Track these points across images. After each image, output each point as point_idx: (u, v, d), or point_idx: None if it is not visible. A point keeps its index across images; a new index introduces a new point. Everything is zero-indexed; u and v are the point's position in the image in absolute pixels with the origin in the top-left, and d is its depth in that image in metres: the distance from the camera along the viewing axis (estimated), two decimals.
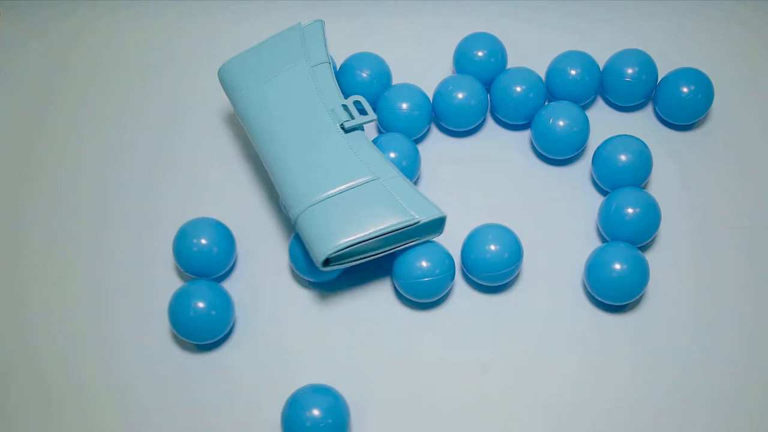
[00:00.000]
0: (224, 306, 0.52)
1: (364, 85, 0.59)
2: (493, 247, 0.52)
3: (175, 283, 0.55)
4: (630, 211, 0.53)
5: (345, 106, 0.54)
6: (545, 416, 0.50)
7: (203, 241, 0.53)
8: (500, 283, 0.53)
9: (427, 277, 0.51)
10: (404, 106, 0.57)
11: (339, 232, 0.49)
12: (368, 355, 0.52)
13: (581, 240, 0.55)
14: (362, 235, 0.49)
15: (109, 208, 0.58)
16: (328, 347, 0.53)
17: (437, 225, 0.52)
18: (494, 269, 0.52)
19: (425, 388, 0.51)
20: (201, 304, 0.51)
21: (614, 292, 0.51)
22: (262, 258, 0.56)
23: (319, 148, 0.52)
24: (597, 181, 0.56)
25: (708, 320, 0.53)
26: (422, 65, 0.62)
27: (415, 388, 0.51)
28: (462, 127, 0.59)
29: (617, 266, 0.51)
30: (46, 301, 0.55)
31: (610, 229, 0.53)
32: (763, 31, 0.63)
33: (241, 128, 0.61)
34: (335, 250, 0.49)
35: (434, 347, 0.53)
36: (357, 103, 0.55)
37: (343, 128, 0.53)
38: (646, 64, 0.58)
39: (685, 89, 0.57)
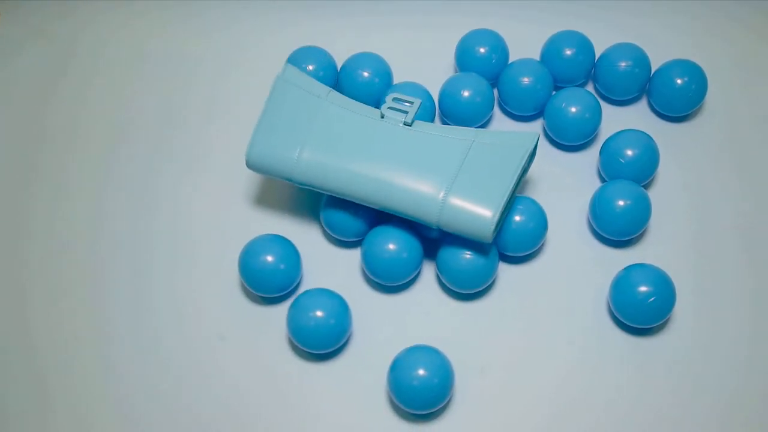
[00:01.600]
0: (340, 314, 0.52)
1: (366, 85, 0.60)
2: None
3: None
4: (621, 203, 0.54)
5: (390, 108, 0.54)
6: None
7: (269, 258, 0.53)
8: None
9: None
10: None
11: (489, 201, 0.50)
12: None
13: (578, 233, 0.57)
14: (507, 187, 0.50)
15: (107, 207, 0.59)
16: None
17: (536, 146, 0.53)
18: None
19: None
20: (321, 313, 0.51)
21: (642, 317, 0.52)
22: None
23: (407, 155, 0.52)
24: (601, 172, 0.58)
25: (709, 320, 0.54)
26: (422, 64, 0.62)
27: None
28: (470, 125, 0.59)
29: (643, 288, 0.51)
30: (50, 304, 0.56)
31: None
32: (751, 21, 0.64)
33: (240, 129, 0.61)
34: (498, 215, 0.50)
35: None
36: (395, 100, 0.55)
37: (407, 125, 0.53)
38: (639, 57, 0.59)
39: (678, 80, 0.58)
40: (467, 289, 0.53)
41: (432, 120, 0.59)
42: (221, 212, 0.58)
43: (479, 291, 0.54)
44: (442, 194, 0.51)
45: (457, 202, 0.50)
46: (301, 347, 0.52)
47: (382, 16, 0.65)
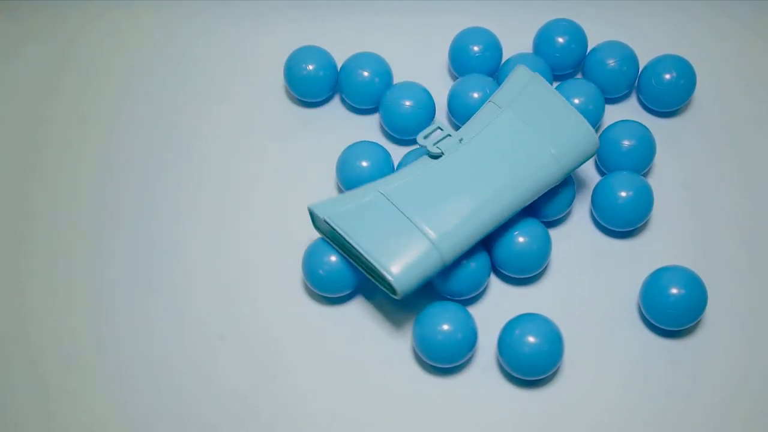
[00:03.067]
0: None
1: (366, 85, 0.60)
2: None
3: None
4: (623, 194, 0.54)
5: (436, 144, 0.52)
6: None
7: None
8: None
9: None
10: (407, 103, 0.58)
11: (574, 124, 0.51)
12: None
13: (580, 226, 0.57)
14: (568, 106, 0.52)
15: (106, 207, 0.58)
16: None
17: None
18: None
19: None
20: None
21: (671, 318, 0.52)
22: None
23: (490, 157, 0.52)
24: (598, 163, 0.58)
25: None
26: (422, 64, 0.62)
27: None
28: None
29: (674, 290, 0.51)
30: (48, 303, 0.55)
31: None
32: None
33: (240, 130, 0.61)
34: (589, 126, 0.51)
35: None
36: (427, 137, 0.53)
37: (461, 141, 0.52)
38: (627, 54, 0.60)
39: (667, 75, 0.59)
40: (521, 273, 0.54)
41: (432, 117, 0.59)
42: (220, 212, 0.58)
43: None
44: (548, 151, 0.51)
45: (561, 142, 0.52)
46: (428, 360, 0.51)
47: (382, 16, 0.65)
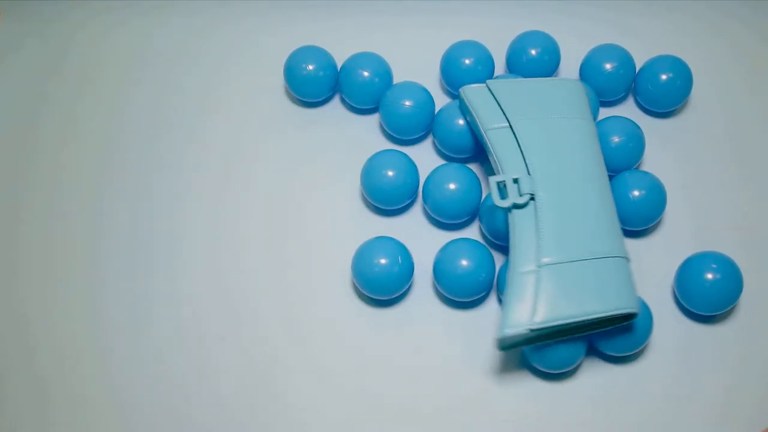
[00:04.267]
0: None
1: (366, 85, 0.59)
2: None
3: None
4: (636, 193, 0.54)
5: (517, 204, 0.50)
6: None
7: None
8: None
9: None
10: (408, 103, 0.58)
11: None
12: None
13: None
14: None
15: (105, 206, 0.58)
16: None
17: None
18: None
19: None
20: None
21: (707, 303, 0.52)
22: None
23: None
24: None
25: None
26: (423, 64, 0.62)
27: None
28: None
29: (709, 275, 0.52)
30: (48, 304, 0.55)
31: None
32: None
33: (240, 129, 0.61)
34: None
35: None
36: (501, 194, 0.51)
37: (532, 199, 0.50)
38: (623, 57, 0.60)
39: (663, 76, 0.59)
40: None
41: (432, 117, 0.59)
42: (220, 213, 0.58)
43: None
44: (576, 122, 0.53)
45: (574, 113, 0.53)
46: (367, 293, 0.53)
47: (382, 16, 0.65)
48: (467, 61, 0.59)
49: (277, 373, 0.53)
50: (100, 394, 0.52)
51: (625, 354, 0.51)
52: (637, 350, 0.51)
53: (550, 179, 0.50)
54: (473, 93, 0.54)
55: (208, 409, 0.52)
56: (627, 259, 0.49)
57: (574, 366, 0.51)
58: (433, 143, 0.60)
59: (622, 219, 0.53)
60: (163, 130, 0.61)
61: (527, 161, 0.51)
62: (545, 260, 0.48)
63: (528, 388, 0.51)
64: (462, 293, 0.52)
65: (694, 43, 0.63)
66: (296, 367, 0.53)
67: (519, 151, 0.51)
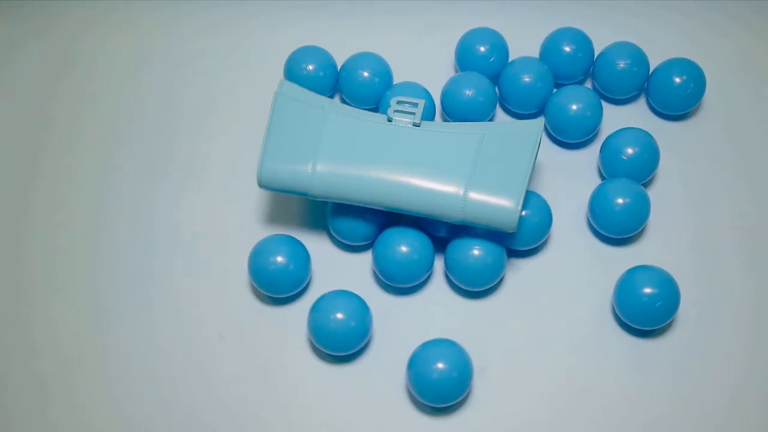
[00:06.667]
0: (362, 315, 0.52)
1: (366, 85, 0.60)
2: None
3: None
4: (620, 201, 0.54)
5: (396, 111, 0.54)
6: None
7: (279, 259, 0.53)
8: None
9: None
10: None
11: (509, 191, 0.50)
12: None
13: (579, 231, 0.57)
14: (525, 175, 0.51)
15: (107, 207, 0.59)
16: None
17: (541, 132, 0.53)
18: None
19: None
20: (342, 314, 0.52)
21: (645, 318, 0.52)
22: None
23: (422, 155, 0.52)
24: (601, 170, 0.58)
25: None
26: (422, 64, 0.62)
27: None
28: None
29: (648, 290, 0.51)
30: (48, 304, 0.56)
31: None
32: (749, 18, 0.64)
33: (241, 130, 0.61)
34: (520, 204, 0.50)
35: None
36: (399, 103, 0.55)
37: (416, 125, 0.54)
38: (638, 56, 0.59)
39: (677, 79, 0.59)
40: (477, 287, 0.53)
41: (433, 119, 0.59)
42: (222, 214, 0.58)
43: (487, 289, 0.54)
44: (462, 190, 0.51)
45: (478, 196, 0.51)
46: (323, 349, 0.52)
47: (382, 16, 0.65)
48: (482, 48, 0.60)
49: (277, 372, 0.53)
50: (100, 394, 0.52)
51: (531, 246, 0.54)
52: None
53: (399, 139, 0.54)
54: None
55: (208, 409, 0.52)
56: (309, 181, 0.52)
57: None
58: None
59: (608, 227, 0.54)
60: (163, 130, 0.61)
61: (427, 126, 0.54)
62: (330, 111, 0.54)
63: None
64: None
65: (703, 47, 0.63)
66: (296, 366, 0.53)
67: (445, 129, 0.54)
